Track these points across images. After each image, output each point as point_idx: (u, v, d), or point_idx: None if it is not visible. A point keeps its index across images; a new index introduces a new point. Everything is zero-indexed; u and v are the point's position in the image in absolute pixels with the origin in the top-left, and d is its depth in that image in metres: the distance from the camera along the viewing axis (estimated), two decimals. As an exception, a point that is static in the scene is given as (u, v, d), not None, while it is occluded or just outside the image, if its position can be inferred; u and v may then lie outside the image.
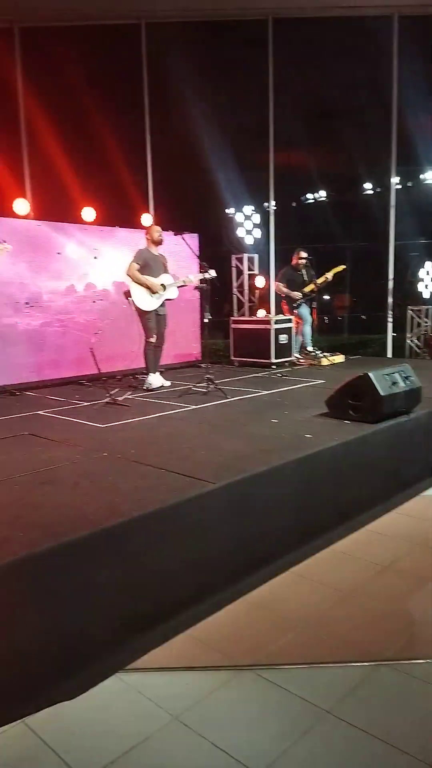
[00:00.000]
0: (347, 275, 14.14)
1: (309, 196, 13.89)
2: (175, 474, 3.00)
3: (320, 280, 7.72)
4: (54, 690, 2.04)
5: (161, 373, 6.42)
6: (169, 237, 6.19)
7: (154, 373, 6.07)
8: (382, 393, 3.92)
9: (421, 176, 12.46)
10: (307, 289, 7.84)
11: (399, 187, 11.54)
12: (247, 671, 2.22)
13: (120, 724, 1.94)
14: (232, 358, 7.94)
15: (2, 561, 2.06)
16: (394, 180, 9.27)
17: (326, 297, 15.31)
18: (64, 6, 8.35)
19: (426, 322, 9.14)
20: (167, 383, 6.20)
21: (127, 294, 5.94)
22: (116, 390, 5.78)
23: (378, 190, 12.75)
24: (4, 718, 1.95)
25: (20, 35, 8.66)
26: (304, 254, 7.81)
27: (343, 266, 7.98)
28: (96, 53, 8.87)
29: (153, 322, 5.97)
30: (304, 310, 7.97)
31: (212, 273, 5.77)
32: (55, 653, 2.11)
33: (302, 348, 8.06)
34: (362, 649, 2.34)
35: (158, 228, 6.06)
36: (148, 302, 5.90)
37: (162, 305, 6.04)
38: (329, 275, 7.79)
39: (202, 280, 5.82)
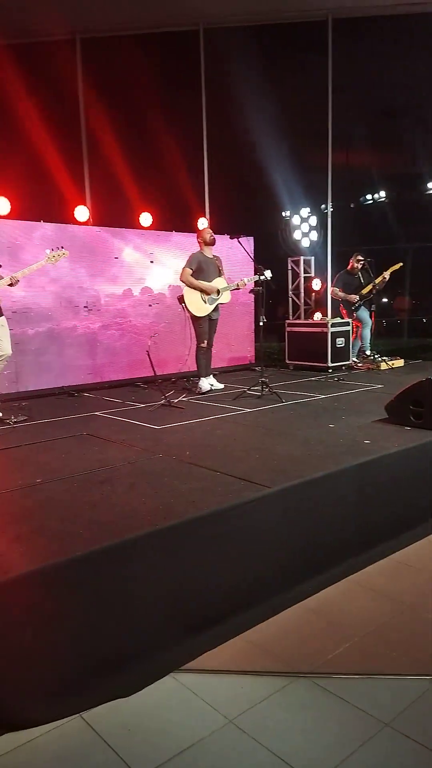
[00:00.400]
0: (407, 277, 13.82)
1: (368, 197, 13.67)
2: (230, 477, 3.02)
3: (378, 280, 7.58)
4: (110, 686, 2.09)
5: (215, 375, 6.47)
6: (224, 240, 6.22)
7: (206, 377, 6.10)
8: (445, 398, 3.81)
9: None
10: (364, 291, 7.70)
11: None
12: (303, 678, 2.19)
13: (175, 724, 1.96)
14: (287, 362, 7.90)
15: (62, 557, 2.13)
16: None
17: (385, 300, 15.02)
18: (123, 17, 8.57)
19: None
20: (220, 386, 6.25)
21: (181, 299, 6.00)
22: (171, 392, 5.86)
23: (441, 189, 12.39)
24: (62, 711, 2.01)
25: (81, 45, 8.96)
26: (360, 258, 7.68)
27: (400, 264, 7.80)
28: (154, 60, 9.06)
29: (205, 327, 6.01)
30: (364, 314, 7.84)
31: (268, 274, 5.76)
32: (111, 650, 2.15)
33: (360, 352, 7.92)
34: (422, 663, 2.27)
35: (209, 229, 6.10)
36: (201, 308, 5.95)
37: (215, 309, 6.06)
38: (386, 274, 7.62)
39: (257, 282, 5.81)
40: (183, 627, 2.37)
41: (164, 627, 2.31)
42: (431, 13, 8.59)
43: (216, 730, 1.95)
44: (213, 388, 6.14)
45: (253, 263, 6.12)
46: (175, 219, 7.58)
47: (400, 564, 3.14)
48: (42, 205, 7.06)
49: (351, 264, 7.78)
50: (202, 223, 7.95)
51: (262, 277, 5.75)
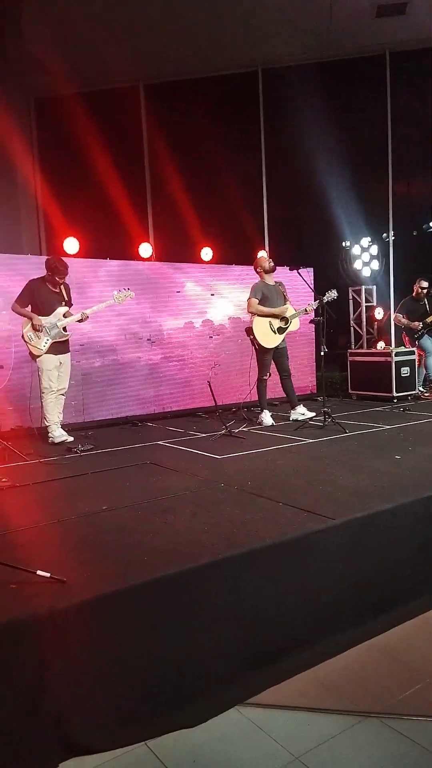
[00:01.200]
0: None
1: (431, 223, 13.46)
2: (292, 507, 2.98)
3: (445, 311, 7.42)
4: (175, 716, 2.08)
5: (275, 406, 6.42)
6: (284, 273, 6.26)
7: (267, 409, 6.00)
8: None
9: None
10: (429, 320, 7.55)
11: None
12: (373, 718, 2.11)
13: (240, 758, 1.93)
14: (350, 392, 7.80)
15: (127, 584, 2.17)
16: None
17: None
18: (184, 63, 9.01)
19: None
20: (312, 414, 5.93)
21: (249, 331, 5.97)
22: (232, 422, 5.88)
23: None
24: (126, 739, 2.02)
25: (145, 90, 9.46)
26: (425, 283, 7.57)
27: None
28: (215, 100, 9.43)
29: (268, 358, 5.95)
30: (428, 342, 7.66)
31: (334, 293, 5.68)
32: (175, 680, 2.15)
33: (426, 381, 7.72)
34: None
35: (267, 257, 6.13)
36: (271, 339, 5.88)
37: (283, 338, 5.98)
38: None
39: (321, 306, 5.71)
40: (246, 660, 2.34)
41: (227, 659, 2.29)
42: None
43: (282, 766, 1.90)
44: (303, 416, 5.92)
45: (313, 294, 6.11)
46: (235, 252, 7.74)
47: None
48: (108, 243, 7.40)
49: (415, 290, 7.67)
50: (260, 253, 8.07)
51: (328, 298, 5.67)
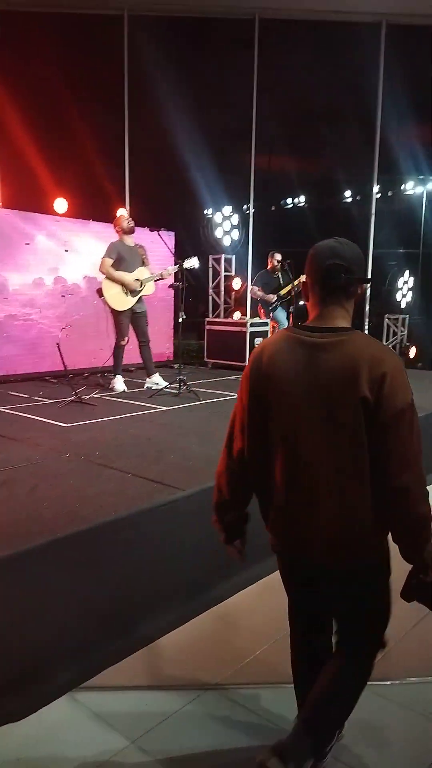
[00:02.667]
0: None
1: (289, 200, 13.96)
2: (142, 479, 2.89)
3: (296, 282, 7.69)
4: (0, 711, 1.89)
5: (130, 371, 6.27)
6: (145, 234, 6.04)
7: (120, 374, 5.83)
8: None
9: (402, 186, 12.63)
10: (282, 292, 7.80)
11: (379, 195, 11.65)
12: (212, 691, 2.10)
13: (73, 749, 1.80)
14: (206, 360, 7.85)
15: None
16: (375, 189, 9.31)
17: (302, 303, 15.44)
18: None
19: (402, 331, 9.19)
20: (165, 383, 5.83)
21: (100, 292, 5.69)
22: (83, 388, 5.62)
23: (358, 198, 12.89)
24: None
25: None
26: (278, 256, 7.79)
27: None
28: (75, 42, 8.70)
29: (126, 322, 5.73)
30: (281, 315, 7.93)
31: (195, 261, 5.55)
32: (1, 670, 1.96)
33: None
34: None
35: (127, 216, 5.84)
36: (122, 301, 5.65)
37: (139, 301, 5.77)
38: (303, 278, 7.76)
39: (181, 271, 5.57)
40: (84, 641, 2.21)
41: (61, 642, 2.14)
42: (353, 22, 8.84)
43: (117, 752, 1.81)
44: (157, 386, 5.81)
45: (174, 258, 5.98)
46: (94, 208, 7.30)
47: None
48: None
49: (270, 263, 7.86)
50: (120, 212, 7.72)
51: (188, 265, 5.54)
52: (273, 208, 13.81)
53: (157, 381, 5.87)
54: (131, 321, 5.80)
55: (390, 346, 9.03)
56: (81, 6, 8.55)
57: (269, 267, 7.89)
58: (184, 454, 3.38)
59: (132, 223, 5.75)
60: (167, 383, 5.83)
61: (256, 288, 7.90)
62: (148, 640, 2.37)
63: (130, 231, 5.74)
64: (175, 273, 5.73)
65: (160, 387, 5.69)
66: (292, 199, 13.91)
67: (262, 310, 7.94)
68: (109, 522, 2.34)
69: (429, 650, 2.38)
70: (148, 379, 5.90)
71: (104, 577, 2.30)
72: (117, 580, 2.34)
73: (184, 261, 5.53)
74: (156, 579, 2.50)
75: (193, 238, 8.93)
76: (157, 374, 5.99)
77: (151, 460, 3.23)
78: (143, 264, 5.84)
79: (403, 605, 2.70)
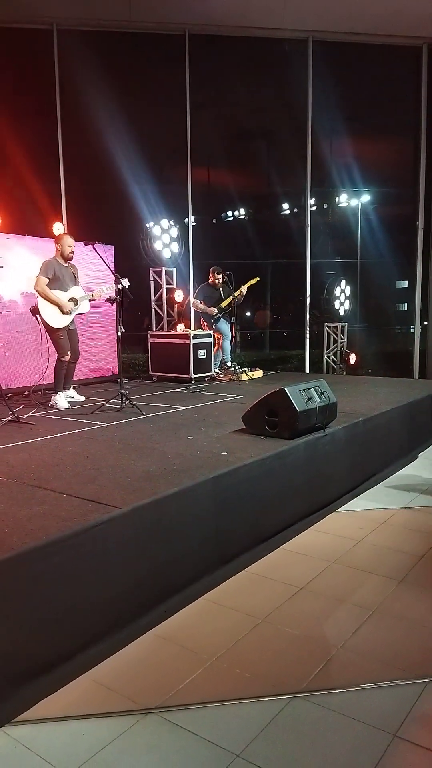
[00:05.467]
0: (267, 291, 14.40)
1: (229, 213, 14.06)
2: (77, 498, 2.79)
3: (236, 294, 7.74)
4: None
5: (75, 388, 6.16)
6: (81, 248, 5.96)
7: (62, 391, 5.76)
8: (298, 408, 3.90)
9: (336, 198, 12.96)
10: (223, 305, 7.82)
11: (315, 208, 11.92)
12: (152, 714, 2.02)
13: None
14: (151, 373, 7.77)
15: None
16: (310, 201, 9.52)
17: (248, 313, 15.53)
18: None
19: (342, 339, 9.38)
20: (81, 398, 5.96)
21: (35, 311, 5.64)
22: (20, 407, 5.44)
23: (295, 210, 13.13)
24: None
25: None
26: (218, 275, 7.81)
27: (257, 279, 8.06)
28: (3, 54, 8.53)
29: (65, 339, 5.69)
30: (224, 326, 7.95)
31: (125, 283, 5.57)
32: None
33: (222, 363, 8.02)
34: (278, 680, 2.21)
35: (71, 241, 5.75)
36: (58, 319, 5.61)
37: (73, 321, 5.79)
38: (243, 288, 7.82)
39: (117, 292, 5.60)
40: (15, 674, 2.08)
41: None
42: (281, 38, 9.04)
43: (50, 792, 1.71)
44: (73, 401, 5.84)
45: (111, 273, 5.90)
46: (28, 222, 7.12)
47: (255, 576, 3.11)
48: None
49: (211, 278, 7.86)
50: (58, 228, 7.57)
51: (119, 286, 5.55)
52: (214, 221, 13.87)
53: (57, 400, 5.68)
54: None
55: (331, 354, 9.24)
56: (8, 20, 8.41)
57: (210, 281, 7.91)
58: (122, 470, 3.31)
59: (73, 251, 5.76)
60: (83, 398, 5.91)
61: (197, 301, 7.90)
62: (85, 668, 2.27)
63: (68, 259, 5.76)
64: (112, 292, 5.72)
65: (61, 408, 5.56)
66: (233, 212, 14.02)
67: (205, 323, 7.93)
68: (39, 547, 2.23)
69: (370, 657, 2.38)
70: (55, 396, 5.72)
71: (35, 605, 2.18)
72: (48, 606, 2.23)
73: (116, 285, 5.50)
74: (92, 602, 2.39)
75: (134, 252, 8.85)
76: (72, 389, 5.95)
77: (88, 479, 3.14)
78: (76, 283, 5.84)
79: (344, 609, 2.73)
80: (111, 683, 2.22)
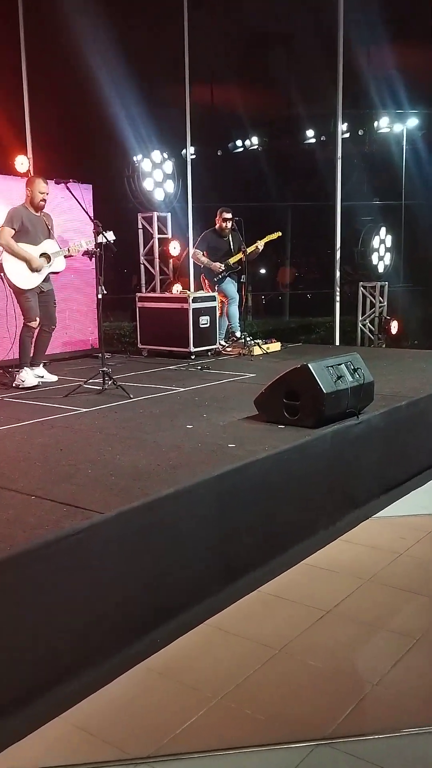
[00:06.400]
0: (287, 244, 14.36)
1: (238, 142, 13.95)
2: (49, 501, 2.82)
3: (249, 249, 7.70)
4: None
5: (45, 365, 6.19)
6: (53, 190, 5.99)
7: (30, 367, 5.83)
8: (324, 390, 3.90)
9: (375, 123, 12.79)
10: (232, 260, 7.79)
11: (347, 135, 11.80)
12: (143, 765, 2.07)
13: None
14: (140, 347, 7.78)
15: None
16: (341, 127, 9.40)
17: (262, 271, 15.48)
18: None
19: (381, 303, 9.34)
20: (52, 378, 6.01)
21: None
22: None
23: (322, 138, 13.00)
24: None
25: None
26: (228, 215, 7.77)
27: (278, 233, 8.02)
28: None
29: (34, 301, 5.76)
30: (230, 287, 7.93)
31: (109, 235, 5.58)
32: None
33: (229, 334, 8.01)
34: (298, 723, 2.25)
35: (43, 186, 5.75)
36: (26, 279, 5.68)
37: (46, 280, 5.86)
38: (260, 244, 7.79)
39: (97, 245, 5.60)
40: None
41: None
42: None
43: None
44: (43, 381, 5.91)
45: (90, 219, 5.88)
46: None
47: (271, 596, 3.15)
48: None
49: (218, 222, 7.83)
50: (22, 163, 7.52)
51: (101, 239, 5.54)
52: (219, 153, 13.78)
53: (25, 377, 5.74)
54: (39, 301, 5.83)
55: (367, 321, 9.23)
56: None
57: (217, 227, 7.87)
58: (105, 466, 3.34)
59: (45, 199, 5.80)
60: (55, 377, 5.99)
61: (199, 252, 7.87)
62: (61, 708, 2.31)
63: (38, 208, 5.81)
64: (89, 246, 5.75)
65: (29, 384, 5.65)
66: (243, 141, 13.89)
67: (206, 281, 7.91)
68: (2, 561, 2.26)
69: (411, 696, 2.41)
70: (22, 372, 5.77)
71: (-1, 631, 2.22)
72: (15, 632, 2.27)
73: (97, 238, 5.50)
74: (69, 628, 2.43)
75: (118, 193, 8.80)
76: (42, 367, 6.03)
77: (63, 477, 3.18)
78: (50, 236, 5.88)
79: (380, 638, 2.77)
80: (93, 727, 2.26)
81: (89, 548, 2.54)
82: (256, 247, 7.75)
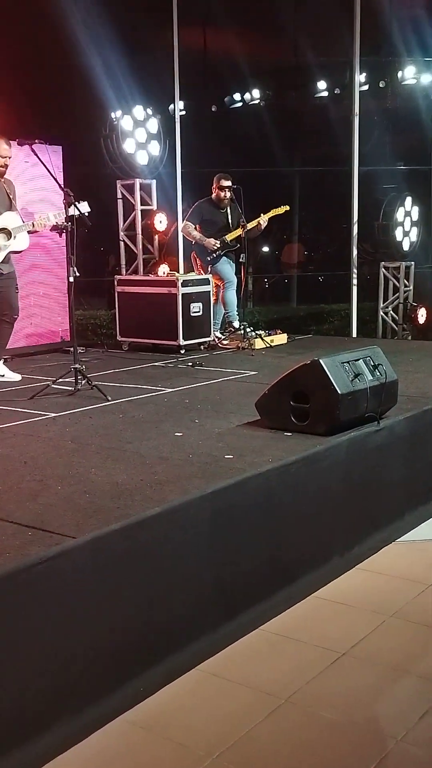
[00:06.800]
0: (294, 216, 14.36)
1: (236, 96, 13.95)
2: (11, 524, 2.83)
3: (250, 225, 7.71)
4: None
5: (6, 361, 6.24)
6: (17, 152, 6.03)
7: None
8: (339, 390, 3.91)
9: (399, 73, 12.79)
10: (229, 237, 7.79)
11: (366, 88, 11.80)
12: None
13: None
14: (119, 339, 7.79)
15: None
16: (359, 77, 9.42)
17: (265, 249, 15.51)
18: None
19: (406, 286, 9.37)
20: (16, 377, 6.03)
21: None
22: None
23: (336, 91, 13.01)
24: None
25: None
26: (227, 183, 7.76)
27: (285, 207, 8.01)
28: None
29: None
30: (226, 268, 7.93)
31: (83, 207, 5.58)
32: None
33: (226, 324, 8.03)
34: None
35: (5, 147, 5.80)
36: None
37: (6, 260, 5.90)
38: (263, 219, 7.80)
39: (68, 218, 5.61)
40: None
41: None
42: None
43: None
44: (3, 380, 5.97)
45: (60, 188, 5.89)
46: None
47: (276, 636, 3.15)
48: None
49: (215, 190, 7.81)
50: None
51: (73, 210, 5.54)
52: (213, 109, 13.77)
53: (2, 372, 5.92)
54: None
55: (390, 308, 9.25)
56: None
57: (214, 196, 7.85)
58: (77, 482, 3.35)
59: (7, 164, 5.89)
60: (18, 377, 6.05)
61: (191, 226, 7.85)
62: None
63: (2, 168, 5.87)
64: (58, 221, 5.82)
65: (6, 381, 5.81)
66: (242, 95, 13.90)
67: (199, 260, 7.91)
68: None
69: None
70: None
71: None
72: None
73: (69, 209, 5.52)
74: (33, 673, 2.43)
75: (92, 157, 8.80)
76: (2, 364, 6.13)
77: (28, 495, 3.19)
78: (11, 207, 5.91)
79: (406, 685, 2.77)
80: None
81: (59, 579, 2.54)
82: (258, 222, 7.76)
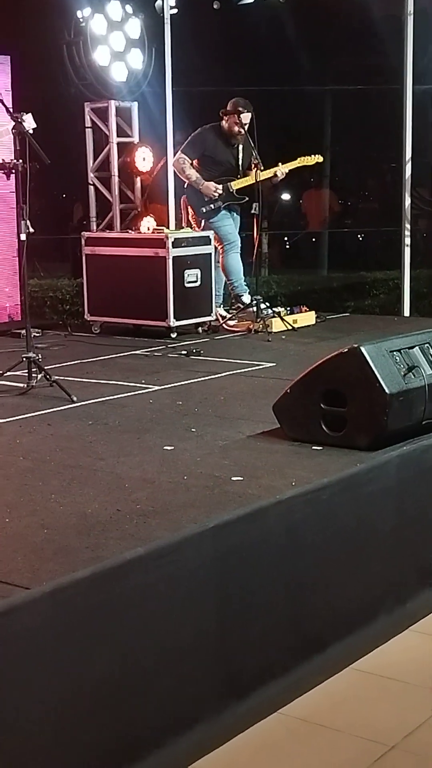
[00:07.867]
0: (325, 153, 14.36)
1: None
2: None
3: (266, 174, 7.69)
4: None
5: None
6: None
7: None
8: (387, 389, 3.92)
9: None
10: (236, 185, 7.78)
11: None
12: None
13: None
14: (88, 318, 7.81)
15: None
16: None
17: (286, 196, 15.50)
18: None
19: None
20: None
21: None
22: None
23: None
24: None
25: None
26: (247, 117, 7.63)
27: (318, 158, 7.99)
28: None
29: None
30: (227, 224, 7.93)
31: (29, 122, 5.53)
32: None
33: (232, 297, 8.04)
34: None
35: None
36: None
37: None
38: (282, 170, 7.78)
39: (17, 152, 5.62)
40: None
41: None
42: None
43: None
44: None
45: (4, 107, 5.91)
46: None
47: (302, 723, 3.16)
48: None
49: (228, 122, 7.73)
50: None
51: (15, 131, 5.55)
52: (216, 6, 13.77)
53: None
54: None
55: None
56: None
57: (225, 125, 7.78)
58: (33, 513, 3.38)
59: None
60: None
61: (186, 161, 7.81)
62: None
63: None
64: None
65: None
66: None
67: (190, 209, 7.89)
68: None
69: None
70: None
71: None
72: None
73: (17, 124, 5.52)
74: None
75: (52, 70, 8.81)
76: None
77: (-35, 530, 3.20)
78: None
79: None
80: None
81: (9, 643, 2.55)
82: (275, 174, 7.73)
